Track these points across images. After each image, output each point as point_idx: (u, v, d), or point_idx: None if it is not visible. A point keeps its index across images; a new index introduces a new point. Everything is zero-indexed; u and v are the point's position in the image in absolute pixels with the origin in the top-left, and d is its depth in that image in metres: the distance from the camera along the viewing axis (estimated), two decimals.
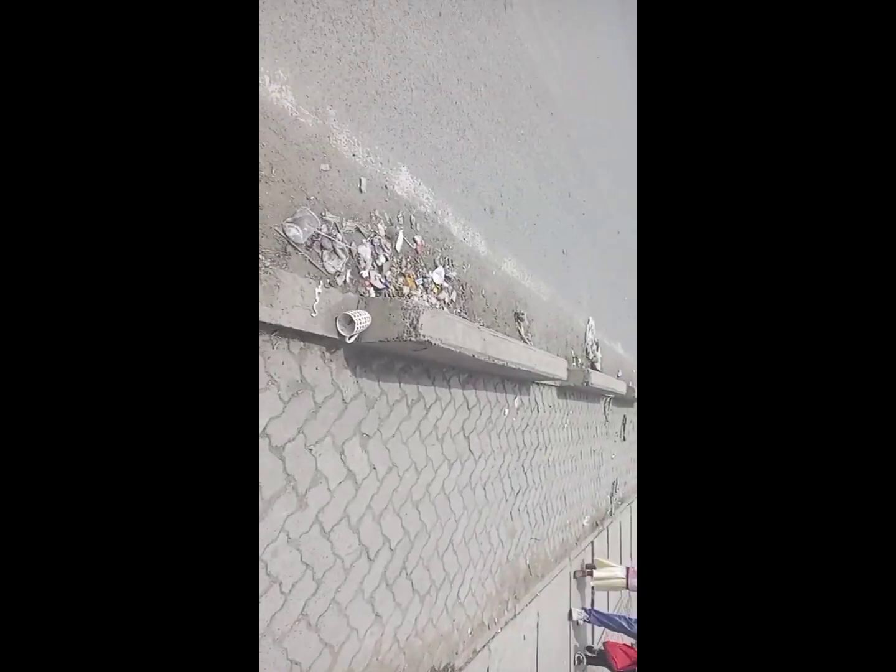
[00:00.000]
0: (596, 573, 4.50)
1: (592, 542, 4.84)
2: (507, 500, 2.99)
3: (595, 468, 5.11)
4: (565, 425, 3.99)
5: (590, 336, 4.60)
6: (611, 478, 5.84)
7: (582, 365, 4.17)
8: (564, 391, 3.89)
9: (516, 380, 2.97)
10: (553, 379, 3.10)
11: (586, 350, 4.50)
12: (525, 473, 3.25)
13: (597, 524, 5.12)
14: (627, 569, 4.65)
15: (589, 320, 4.64)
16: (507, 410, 2.88)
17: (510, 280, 2.90)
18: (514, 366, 2.53)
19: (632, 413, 7.08)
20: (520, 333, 2.94)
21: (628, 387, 5.80)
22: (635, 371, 7.26)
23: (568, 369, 3.76)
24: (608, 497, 5.76)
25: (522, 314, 2.92)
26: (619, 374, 5.92)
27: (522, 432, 3.20)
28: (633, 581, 4.59)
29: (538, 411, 3.44)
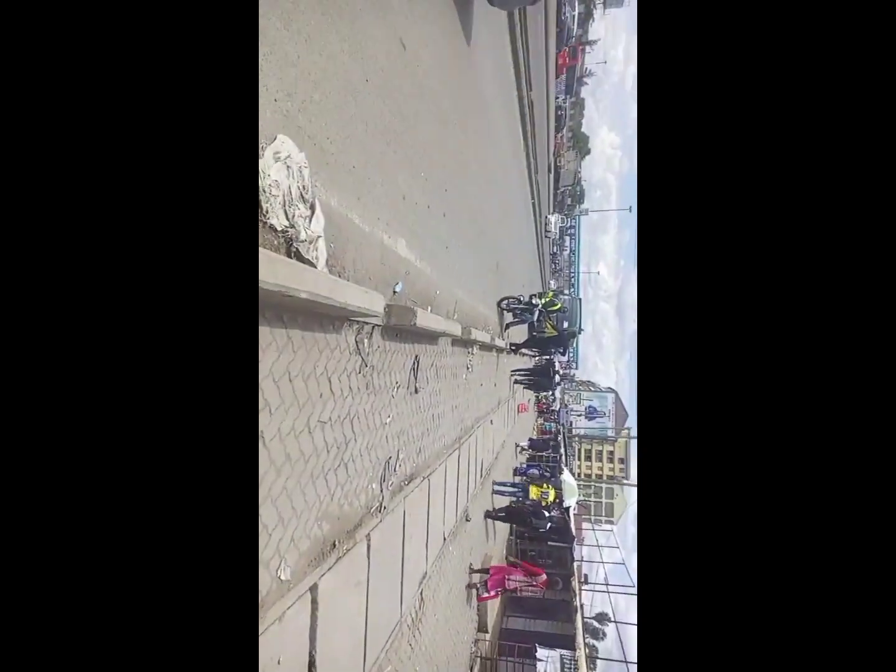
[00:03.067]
0: None
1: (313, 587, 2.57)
2: None
3: (333, 452, 2.79)
4: None
5: (289, 186, 2.04)
6: (381, 454, 3.64)
7: None
8: None
9: None
10: None
11: (287, 217, 1.95)
12: None
13: (332, 548, 2.87)
14: None
15: (280, 143, 2.06)
16: None
17: None
18: None
19: (433, 354, 4.96)
20: None
21: (409, 309, 3.52)
22: (449, 293, 5.11)
23: None
24: (377, 485, 3.58)
25: None
26: (399, 287, 3.60)
27: None
28: None
29: None
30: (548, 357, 15.80)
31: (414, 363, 4.34)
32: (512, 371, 12.44)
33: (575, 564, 11.87)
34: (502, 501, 9.87)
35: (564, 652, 8.80)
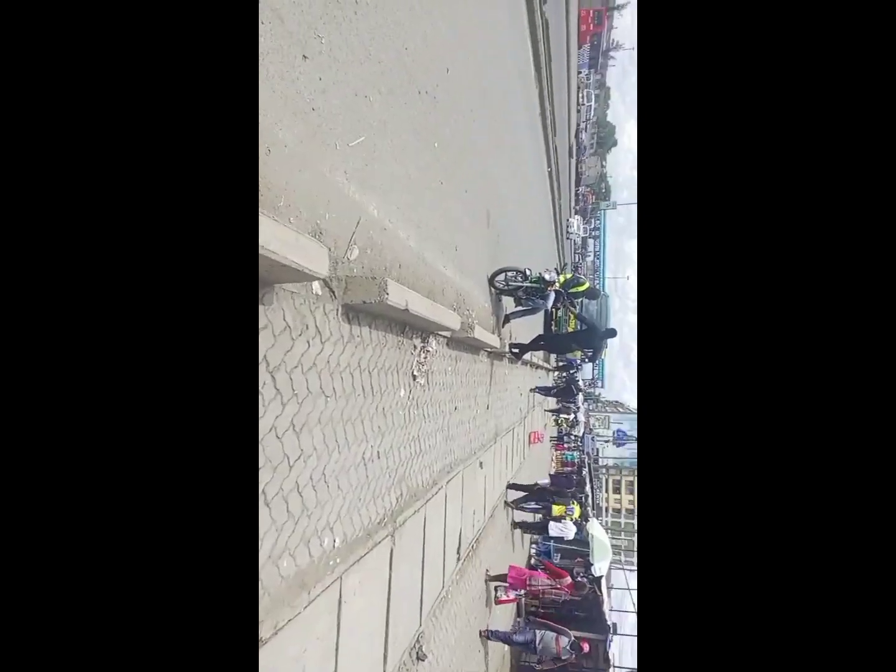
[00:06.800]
0: None
1: None
2: None
3: None
4: None
5: None
6: None
7: None
8: None
9: None
10: None
11: None
12: None
13: None
14: None
15: None
16: None
17: None
18: None
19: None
20: None
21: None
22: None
23: None
24: None
25: None
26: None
27: None
28: None
29: None
30: (569, 369, 12.43)
31: None
32: (530, 389, 11.48)
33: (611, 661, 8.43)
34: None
35: None
